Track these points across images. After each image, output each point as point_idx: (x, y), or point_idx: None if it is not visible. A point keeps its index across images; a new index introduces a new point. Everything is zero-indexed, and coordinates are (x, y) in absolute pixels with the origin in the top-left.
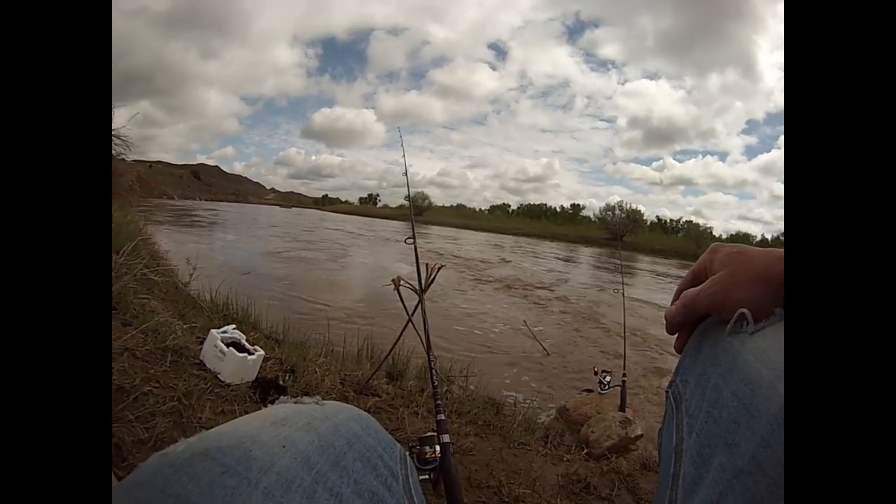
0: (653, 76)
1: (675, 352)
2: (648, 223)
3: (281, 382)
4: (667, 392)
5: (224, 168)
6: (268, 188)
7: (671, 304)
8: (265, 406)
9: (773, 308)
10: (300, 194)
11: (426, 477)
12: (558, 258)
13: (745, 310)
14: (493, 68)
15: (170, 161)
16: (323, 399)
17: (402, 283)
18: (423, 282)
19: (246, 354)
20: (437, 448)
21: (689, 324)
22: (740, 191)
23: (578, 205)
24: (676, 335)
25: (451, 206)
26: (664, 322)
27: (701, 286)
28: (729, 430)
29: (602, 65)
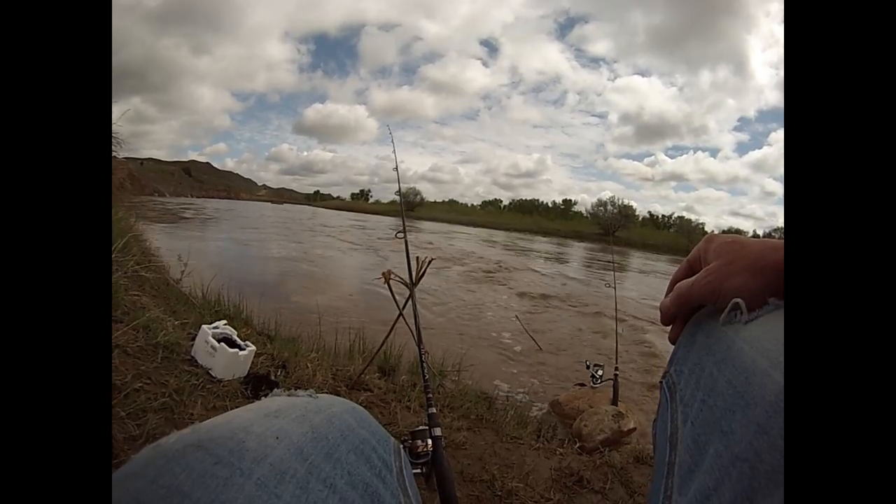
0: (644, 72)
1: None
2: (640, 218)
3: (273, 378)
4: (661, 382)
5: (216, 164)
6: (259, 184)
7: (665, 296)
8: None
9: (767, 297)
10: (292, 190)
11: (418, 471)
12: (550, 255)
13: (739, 299)
14: (485, 64)
15: (161, 158)
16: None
17: (392, 276)
18: (413, 275)
19: (237, 350)
20: (429, 442)
21: (683, 314)
22: (732, 187)
23: (570, 200)
24: (671, 326)
25: (443, 202)
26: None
27: (695, 277)
28: (724, 418)
29: (593, 61)
